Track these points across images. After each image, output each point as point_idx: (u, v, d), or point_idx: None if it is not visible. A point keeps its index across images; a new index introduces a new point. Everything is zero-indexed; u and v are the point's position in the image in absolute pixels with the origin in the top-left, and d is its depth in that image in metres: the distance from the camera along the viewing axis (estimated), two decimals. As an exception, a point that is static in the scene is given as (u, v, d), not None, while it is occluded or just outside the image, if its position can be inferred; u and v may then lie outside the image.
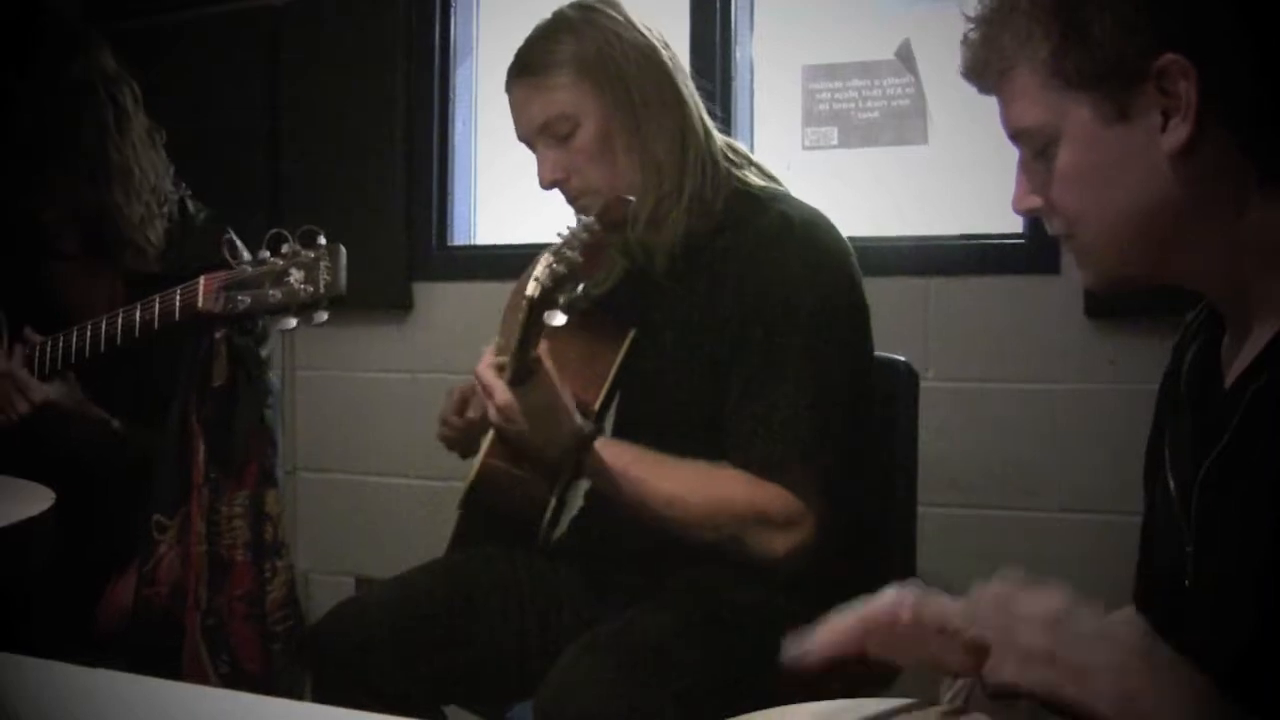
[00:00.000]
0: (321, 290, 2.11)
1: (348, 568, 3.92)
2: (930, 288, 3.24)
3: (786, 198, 2.27)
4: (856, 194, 3.41)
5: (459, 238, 4.01)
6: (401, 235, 3.88)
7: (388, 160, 3.89)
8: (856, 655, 1.29)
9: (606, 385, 2.26)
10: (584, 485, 2.30)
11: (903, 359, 2.41)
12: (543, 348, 2.05)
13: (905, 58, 3.46)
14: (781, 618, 2.11)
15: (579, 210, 2.21)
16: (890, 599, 1.27)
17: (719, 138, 2.30)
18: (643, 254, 2.25)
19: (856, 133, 3.54)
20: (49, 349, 2.33)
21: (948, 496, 3.04)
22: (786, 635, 1.99)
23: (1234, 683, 1.17)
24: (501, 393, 2.07)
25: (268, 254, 2.15)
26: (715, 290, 2.20)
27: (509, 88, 2.26)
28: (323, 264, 2.12)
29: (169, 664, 2.23)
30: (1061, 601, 1.17)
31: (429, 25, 3.93)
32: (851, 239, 2.25)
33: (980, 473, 3.18)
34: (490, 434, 2.27)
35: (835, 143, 3.54)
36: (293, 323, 2.14)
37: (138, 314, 2.24)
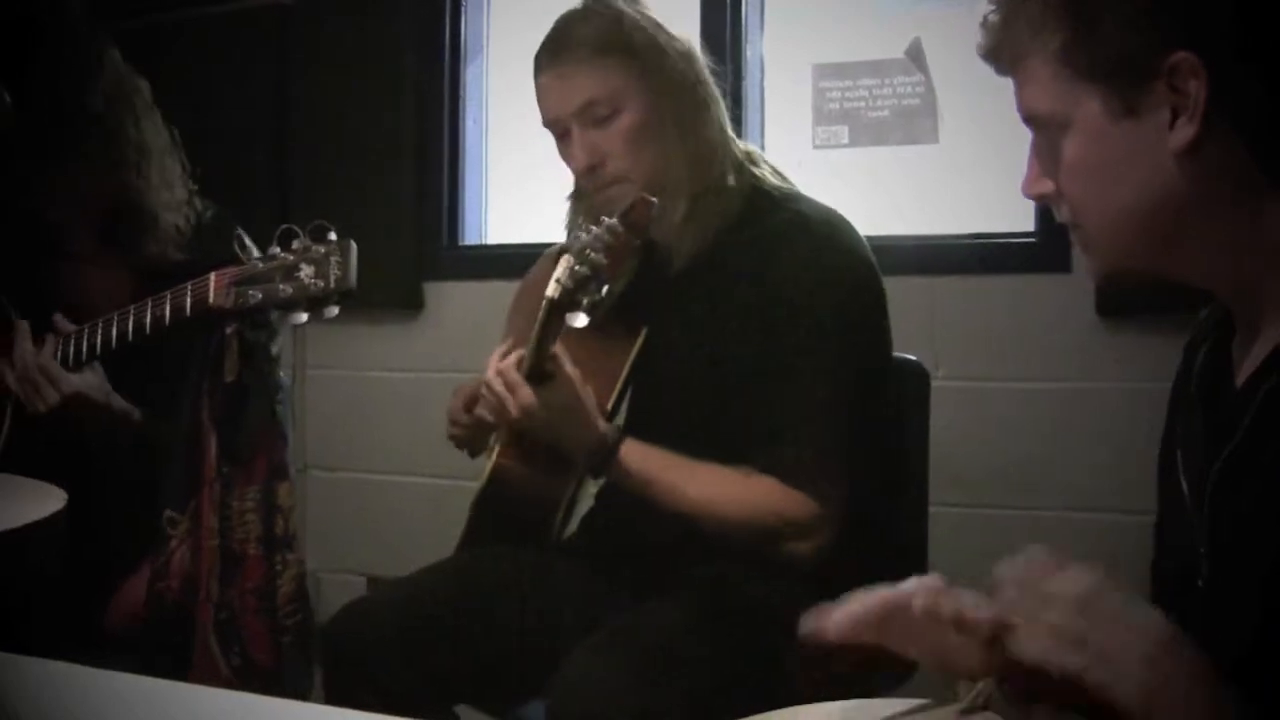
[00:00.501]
0: (332, 285, 2.11)
1: (357, 566, 3.93)
2: (940, 287, 3.24)
3: (802, 197, 2.27)
4: (867, 193, 3.41)
5: (469, 237, 4.02)
6: (412, 235, 3.89)
7: (397, 160, 3.90)
8: (871, 643, 1.29)
9: (619, 385, 2.25)
10: (595, 484, 2.30)
11: (913, 359, 2.41)
12: (558, 348, 2.05)
13: (915, 57, 3.46)
14: (792, 616, 2.13)
15: (604, 201, 2.21)
16: (913, 584, 1.27)
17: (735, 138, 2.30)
18: (664, 252, 2.24)
19: (867, 132, 3.54)
20: (60, 346, 2.34)
21: (957, 495, 3.04)
22: (797, 634, 2.00)
23: (1246, 683, 1.17)
24: (525, 393, 2.07)
25: (278, 249, 2.15)
26: (731, 288, 2.19)
27: (543, 67, 2.22)
28: (333, 259, 2.12)
29: (180, 658, 2.23)
30: (1093, 582, 1.17)
31: (439, 23, 3.94)
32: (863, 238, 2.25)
33: (990, 471, 3.17)
34: (502, 433, 2.27)
35: (845, 141, 3.55)
36: (304, 317, 2.15)
37: (149, 310, 2.24)
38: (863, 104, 3.53)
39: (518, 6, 3.98)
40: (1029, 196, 1.42)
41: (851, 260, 2.20)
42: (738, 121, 2.39)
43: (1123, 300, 3.04)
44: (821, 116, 3.57)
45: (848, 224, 2.23)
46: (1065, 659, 1.15)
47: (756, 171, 2.28)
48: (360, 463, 4.00)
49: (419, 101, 3.90)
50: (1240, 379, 1.34)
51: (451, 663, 2.21)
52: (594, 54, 2.17)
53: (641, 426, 2.27)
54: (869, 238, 2.25)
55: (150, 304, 2.24)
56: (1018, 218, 3.25)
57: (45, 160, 2.43)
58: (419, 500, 3.82)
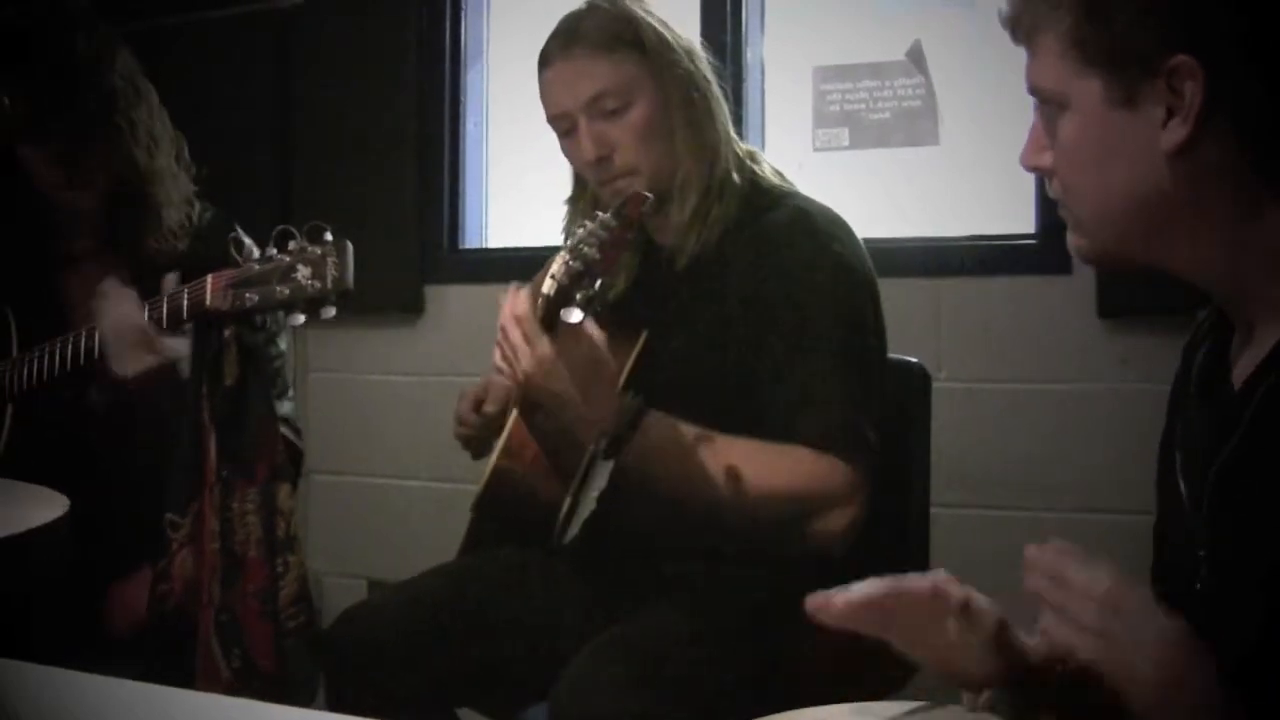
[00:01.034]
0: (329, 285, 2.11)
1: (359, 569, 3.93)
2: (942, 288, 3.24)
3: (800, 194, 2.29)
4: (868, 195, 3.42)
5: (470, 240, 4.02)
6: (413, 238, 3.89)
7: (398, 163, 3.90)
8: (873, 636, 1.29)
9: (620, 386, 2.22)
10: (597, 487, 2.30)
11: (915, 360, 2.41)
12: (560, 343, 2.03)
13: (916, 59, 3.46)
14: (796, 620, 2.13)
15: (611, 194, 2.21)
16: (924, 577, 1.28)
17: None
18: (667, 251, 2.24)
19: (867, 134, 3.54)
20: (56, 351, 2.33)
21: (959, 496, 3.04)
22: (800, 636, 2.01)
23: (1245, 684, 1.17)
24: (545, 345, 2.02)
25: (274, 251, 2.15)
26: (734, 283, 2.20)
27: (551, 60, 2.23)
28: (330, 260, 2.11)
29: (183, 661, 2.23)
30: (1116, 579, 1.18)
31: (439, 27, 3.94)
32: (864, 240, 2.26)
33: (992, 472, 3.17)
34: (504, 435, 2.26)
35: (846, 144, 3.55)
36: (301, 318, 2.14)
37: (147, 314, 2.24)
38: (863, 106, 3.53)
39: (517, 10, 3.98)
40: (1026, 167, 1.44)
41: (851, 258, 2.20)
42: (738, 123, 2.40)
43: (1122, 301, 3.04)
44: (822, 119, 3.57)
45: (845, 223, 2.24)
46: (1086, 656, 1.16)
47: (756, 170, 2.29)
48: (361, 466, 4.00)
49: (420, 105, 3.91)
50: (1238, 380, 1.35)
51: (453, 666, 2.22)
52: (606, 46, 2.18)
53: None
54: (870, 240, 2.26)
55: (148, 307, 2.24)
56: (1018, 219, 3.25)
57: (55, 148, 2.43)
58: (420, 503, 3.82)
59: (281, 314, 2.15)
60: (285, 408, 2.50)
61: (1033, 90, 1.38)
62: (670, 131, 2.20)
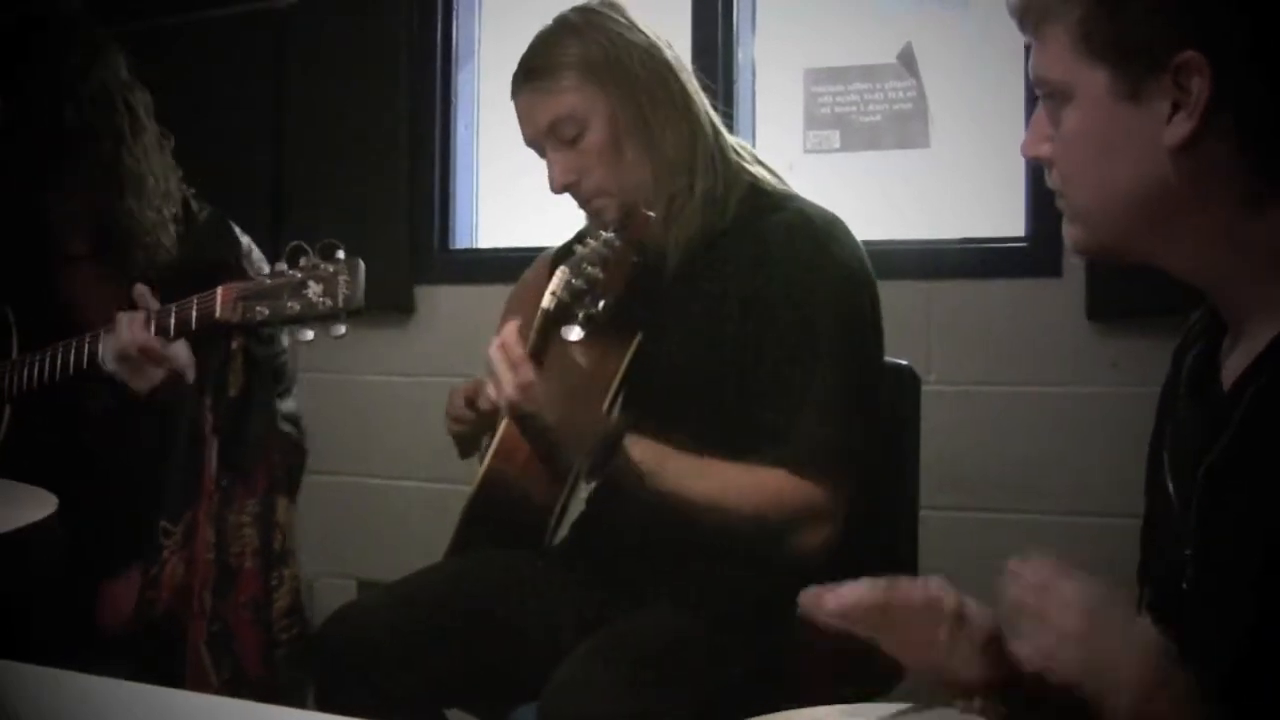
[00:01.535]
0: (340, 303, 2.11)
1: (350, 570, 3.92)
2: (932, 290, 3.24)
3: (800, 197, 2.28)
4: (858, 197, 3.41)
5: (461, 241, 4.02)
6: (404, 238, 3.89)
7: (390, 163, 3.90)
8: (864, 637, 1.30)
9: (612, 390, 2.24)
10: (587, 487, 2.30)
11: (905, 363, 2.41)
12: (545, 368, 2.04)
13: (907, 61, 3.46)
14: (788, 619, 2.13)
15: (592, 213, 2.23)
16: (918, 583, 1.29)
17: (728, 136, 2.30)
18: (655, 253, 2.23)
19: (858, 136, 3.54)
20: (60, 356, 2.32)
21: (950, 499, 3.04)
22: (792, 634, 2.01)
23: (1232, 687, 1.17)
24: (527, 371, 2.03)
25: (286, 266, 2.15)
26: (731, 284, 2.19)
27: (515, 94, 2.26)
28: (341, 277, 2.11)
29: (171, 668, 2.23)
30: (1099, 592, 1.18)
31: (431, 28, 3.94)
32: (855, 242, 2.26)
33: (982, 475, 3.18)
34: (496, 438, 2.26)
35: (837, 146, 3.55)
36: (310, 334, 2.15)
37: (154, 322, 2.24)
38: (854, 108, 3.53)
39: (509, 12, 3.98)
40: (1026, 156, 1.44)
41: (850, 260, 2.20)
42: (729, 124, 2.39)
43: (1112, 303, 3.05)
44: (813, 121, 3.57)
45: (844, 225, 2.24)
46: (1068, 666, 1.16)
47: (751, 168, 2.29)
48: (353, 466, 3.99)
49: (411, 106, 3.91)
50: (1227, 381, 1.35)
51: (443, 666, 2.21)
52: (548, 74, 2.20)
53: (638, 429, 2.24)
54: (860, 242, 2.26)
55: (156, 315, 2.24)
56: (1008, 222, 3.25)
57: (37, 168, 2.43)
58: (412, 504, 3.82)
59: (290, 328, 2.15)
60: (289, 405, 2.49)
61: (1037, 80, 1.38)
62: (633, 144, 2.20)
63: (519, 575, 2.31)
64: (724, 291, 2.20)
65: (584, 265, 2.01)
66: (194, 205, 2.57)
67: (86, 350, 2.28)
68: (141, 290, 2.27)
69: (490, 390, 2.15)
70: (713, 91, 2.32)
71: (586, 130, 2.19)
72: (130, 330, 2.22)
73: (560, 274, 2.05)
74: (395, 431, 3.91)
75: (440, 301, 3.91)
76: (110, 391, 2.29)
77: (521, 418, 2.11)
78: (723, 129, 2.30)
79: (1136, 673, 1.15)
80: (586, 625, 2.16)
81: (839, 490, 2.11)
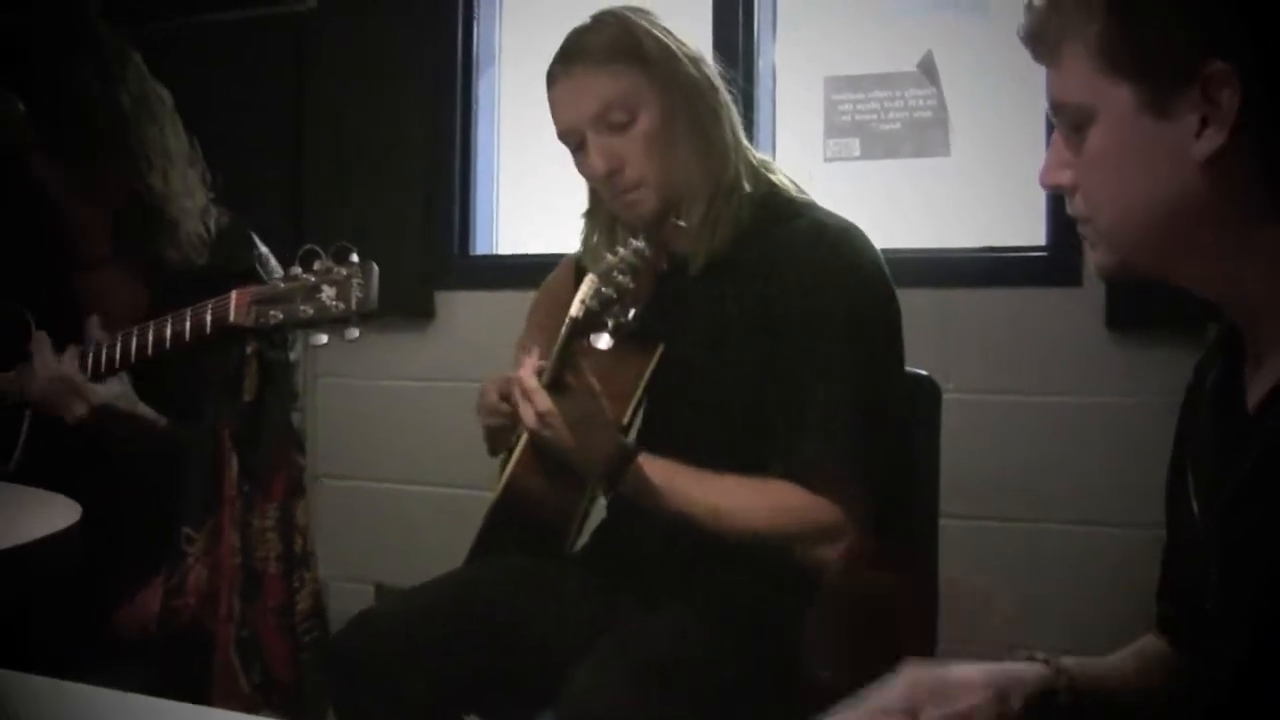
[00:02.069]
0: (353, 307, 2.11)
1: (367, 575, 3.93)
2: (951, 299, 3.24)
3: (819, 206, 2.27)
4: (878, 205, 3.42)
5: (480, 247, 4.03)
6: (423, 244, 3.90)
7: (410, 169, 3.90)
8: None
9: (634, 399, 2.24)
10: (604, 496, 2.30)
11: (925, 373, 2.41)
12: (560, 392, 2.05)
13: (928, 69, 3.46)
14: (804, 628, 2.14)
15: (622, 207, 2.23)
16: (898, 695, 1.31)
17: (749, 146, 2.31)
18: (679, 258, 2.22)
19: (878, 144, 3.54)
20: (82, 359, 2.33)
21: (967, 507, 3.03)
22: (807, 645, 2.01)
23: (1255, 709, 1.17)
24: (543, 400, 2.06)
25: (300, 270, 2.15)
26: (750, 294, 2.19)
27: (557, 76, 2.24)
28: (355, 281, 2.11)
29: (197, 675, 2.24)
30: None
31: (451, 34, 3.94)
32: (874, 251, 2.26)
33: (1000, 484, 3.17)
34: (519, 446, 2.26)
35: (857, 154, 3.55)
36: (324, 338, 2.14)
37: (169, 326, 2.24)
38: (874, 116, 3.53)
39: (530, 18, 3.99)
40: (1046, 186, 1.42)
41: (870, 270, 2.20)
42: (749, 132, 2.40)
43: (1132, 313, 3.04)
44: (833, 129, 3.57)
45: (864, 234, 2.23)
46: None
47: (773, 178, 2.29)
48: (370, 471, 4.00)
49: (431, 111, 3.91)
50: (1252, 401, 1.34)
51: (460, 673, 2.21)
52: (606, 60, 2.18)
53: (656, 438, 2.26)
54: (880, 250, 2.25)
55: (171, 320, 2.24)
56: (1028, 231, 3.25)
57: (66, 161, 2.44)
58: (429, 509, 3.83)
59: (304, 332, 2.16)
60: (292, 419, 2.50)
61: (1057, 105, 1.37)
62: (677, 141, 2.20)
63: (538, 582, 2.31)
64: (743, 300, 2.20)
65: (614, 274, 2.01)
66: (213, 211, 2.58)
67: (105, 354, 2.30)
68: (93, 323, 2.32)
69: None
70: (734, 96, 2.32)
71: (637, 118, 2.18)
72: (49, 362, 2.26)
73: (590, 282, 2.05)
74: (414, 436, 3.92)
75: (460, 307, 3.92)
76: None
77: (541, 442, 2.13)
78: (745, 139, 2.30)
79: None
80: (603, 632, 2.16)
81: (855, 504, 2.11)
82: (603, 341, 2.00)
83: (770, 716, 2.08)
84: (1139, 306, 2.99)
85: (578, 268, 2.43)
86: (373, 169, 3.91)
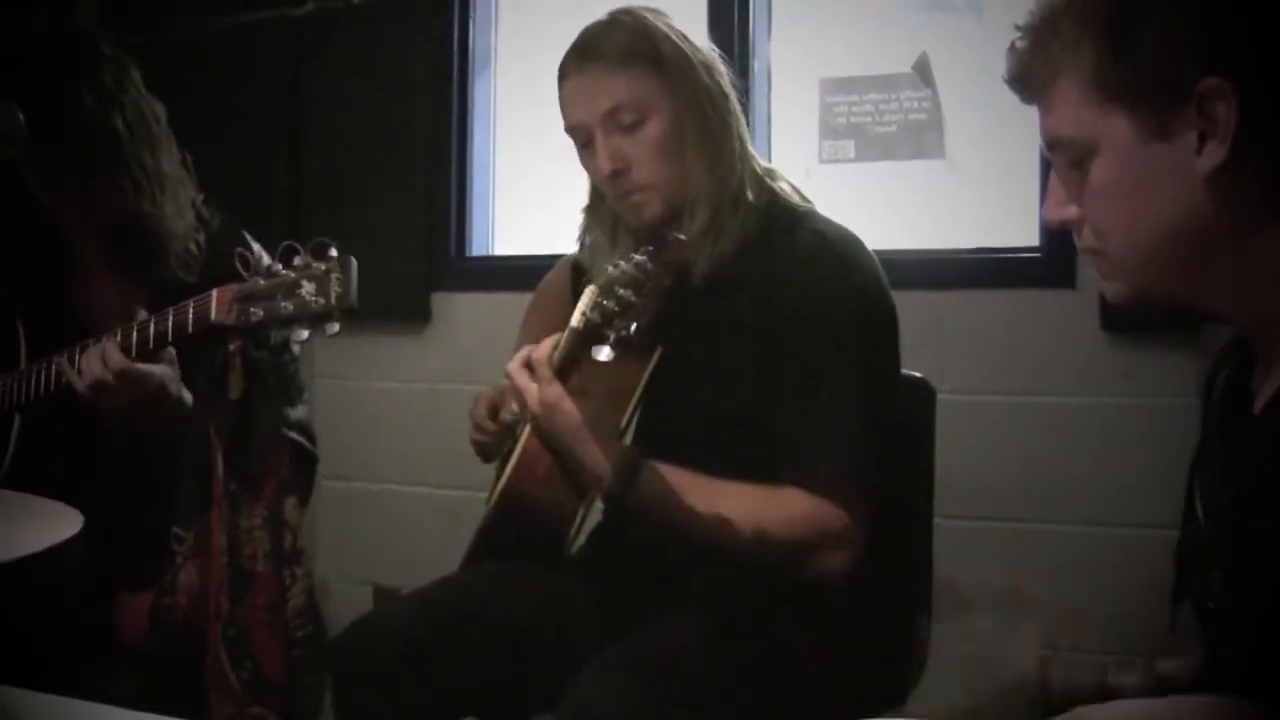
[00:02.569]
0: (333, 302, 2.10)
1: (365, 575, 3.94)
2: (946, 301, 3.25)
3: (819, 215, 2.28)
4: (873, 207, 3.42)
5: (477, 248, 4.03)
6: (420, 246, 3.90)
7: (407, 171, 3.91)
8: None
9: (632, 405, 2.23)
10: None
11: (920, 375, 2.42)
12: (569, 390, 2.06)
13: (923, 71, 3.47)
14: (805, 634, 2.14)
15: (629, 207, 2.23)
16: None
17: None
18: (684, 266, 2.22)
19: (874, 146, 3.54)
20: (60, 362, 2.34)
21: (963, 508, 3.05)
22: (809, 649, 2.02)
23: (1260, 708, 1.18)
24: (555, 389, 2.06)
25: (280, 266, 2.16)
26: (751, 302, 2.19)
27: (570, 72, 2.24)
28: (334, 276, 2.11)
29: (189, 673, 2.24)
30: None
31: (448, 37, 3.95)
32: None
33: (995, 484, 3.18)
34: (518, 448, 2.26)
35: (852, 156, 3.55)
36: (305, 334, 2.14)
37: (152, 326, 2.25)
38: (870, 118, 3.53)
39: (526, 20, 4.00)
40: (1051, 223, 1.43)
41: (871, 280, 2.21)
42: (745, 135, 2.41)
43: (1127, 316, 3.05)
44: (828, 131, 3.58)
45: (862, 243, 2.24)
46: None
47: (776, 187, 2.29)
48: (368, 472, 4.01)
49: (428, 114, 3.92)
50: (1259, 406, 1.34)
51: (459, 676, 2.21)
52: (623, 60, 2.18)
53: (653, 444, 2.24)
54: (875, 252, 2.26)
55: (154, 319, 2.25)
56: (1023, 232, 3.26)
57: (61, 178, 2.45)
58: (427, 510, 3.83)
59: (286, 329, 2.16)
60: (299, 412, 2.50)
61: (1053, 143, 1.37)
62: (686, 146, 2.20)
63: (538, 586, 2.31)
64: (744, 308, 2.20)
65: (616, 287, 2.01)
66: (205, 213, 2.58)
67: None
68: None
69: (513, 403, 2.17)
70: (741, 104, 2.33)
71: (647, 120, 2.19)
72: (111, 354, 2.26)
73: (590, 294, 2.05)
74: (411, 438, 3.93)
75: (456, 309, 3.92)
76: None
77: (542, 433, 2.13)
78: (750, 147, 2.31)
79: None
80: (603, 636, 2.16)
81: (858, 512, 2.11)
82: (603, 354, 2.00)
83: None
84: (1143, 311, 3.00)
85: (574, 268, 2.44)
86: (370, 171, 3.92)
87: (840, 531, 2.10)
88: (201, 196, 2.59)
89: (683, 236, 2.11)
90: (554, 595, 2.30)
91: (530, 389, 2.07)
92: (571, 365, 2.07)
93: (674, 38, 2.22)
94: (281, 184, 3.99)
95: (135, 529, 2.33)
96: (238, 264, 2.18)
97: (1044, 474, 3.16)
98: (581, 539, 2.37)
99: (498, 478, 2.33)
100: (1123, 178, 1.32)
